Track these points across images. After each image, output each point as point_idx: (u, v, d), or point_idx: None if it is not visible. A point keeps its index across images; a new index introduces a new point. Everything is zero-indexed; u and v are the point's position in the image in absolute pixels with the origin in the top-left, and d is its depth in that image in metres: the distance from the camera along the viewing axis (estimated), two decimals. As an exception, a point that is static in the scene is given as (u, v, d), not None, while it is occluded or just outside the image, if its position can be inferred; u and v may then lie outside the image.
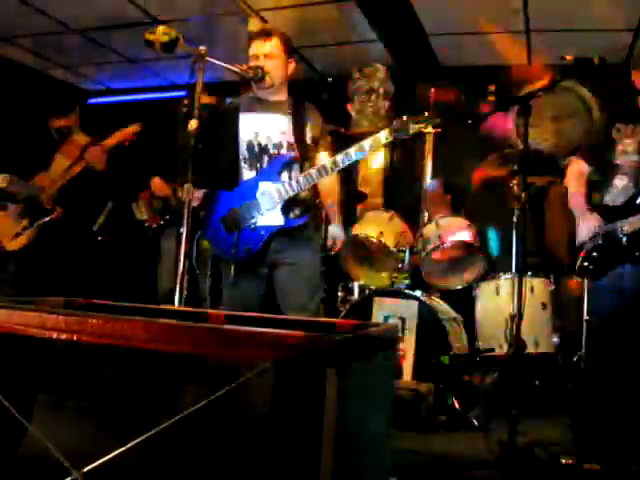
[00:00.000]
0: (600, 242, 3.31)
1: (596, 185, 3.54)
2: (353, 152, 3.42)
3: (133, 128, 4.97)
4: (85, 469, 1.49)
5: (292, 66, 3.70)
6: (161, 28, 3.12)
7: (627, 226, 3.23)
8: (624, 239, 3.25)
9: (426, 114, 3.48)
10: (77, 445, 1.64)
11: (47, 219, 4.70)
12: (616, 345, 3.30)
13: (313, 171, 3.45)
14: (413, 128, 3.43)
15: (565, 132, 6.44)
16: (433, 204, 5.75)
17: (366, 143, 3.42)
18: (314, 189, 3.68)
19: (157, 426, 1.48)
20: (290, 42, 3.73)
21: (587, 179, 3.58)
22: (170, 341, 1.54)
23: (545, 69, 5.79)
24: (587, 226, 3.35)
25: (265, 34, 3.66)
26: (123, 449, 1.48)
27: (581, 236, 3.39)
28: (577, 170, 3.61)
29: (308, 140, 3.66)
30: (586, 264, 3.37)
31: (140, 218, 5.67)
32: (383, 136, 3.42)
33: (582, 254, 3.33)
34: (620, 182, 3.36)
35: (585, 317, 4.73)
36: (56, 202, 4.76)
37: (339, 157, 3.43)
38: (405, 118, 3.45)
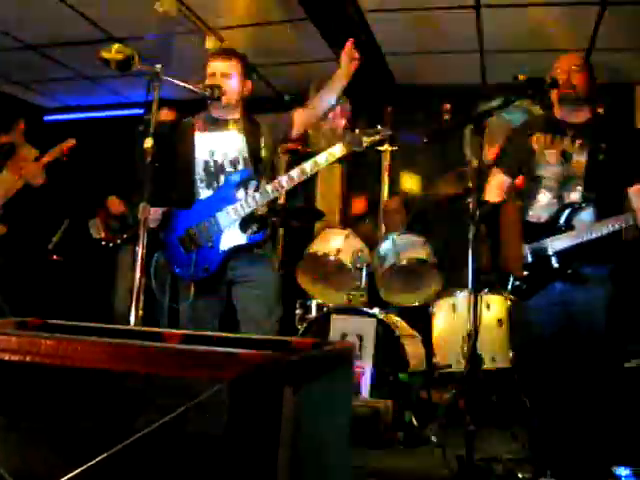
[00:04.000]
0: (529, 261, 3.35)
1: (518, 197, 3.59)
2: (308, 167, 3.45)
3: (68, 143, 4.95)
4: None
5: (249, 86, 3.72)
6: (116, 46, 3.11)
7: (556, 245, 3.28)
8: (554, 259, 3.29)
9: (378, 127, 3.53)
10: (29, 467, 1.61)
11: None
12: (553, 361, 3.34)
13: (269, 187, 3.47)
14: (366, 141, 3.48)
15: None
16: (391, 220, 5.80)
17: (321, 158, 3.46)
18: (270, 205, 3.70)
19: (111, 448, 1.46)
20: (248, 63, 3.76)
21: (508, 191, 3.63)
22: (125, 361, 1.53)
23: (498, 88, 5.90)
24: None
25: (224, 54, 3.69)
26: (76, 472, 1.46)
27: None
28: (497, 182, 3.66)
29: (263, 155, 3.67)
30: (518, 283, 3.41)
31: (96, 237, 5.61)
32: (338, 150, 3.46)
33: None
34: (544, 197, 3.40)
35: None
36: (0, 220, 4.69)
37: (294, 172, 3.46)
38: (358, 131, 3.50)
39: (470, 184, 4.67)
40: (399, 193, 6.24)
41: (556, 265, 3.28)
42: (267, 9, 5.44)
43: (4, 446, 1.67)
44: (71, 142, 4.97)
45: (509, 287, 3.43)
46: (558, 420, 3.28)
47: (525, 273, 3.35)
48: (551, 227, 3.31)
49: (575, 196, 3.33)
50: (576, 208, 3.28)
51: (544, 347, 3.35)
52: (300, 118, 3.74)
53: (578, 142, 3.33)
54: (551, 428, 3.31)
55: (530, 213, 3.43)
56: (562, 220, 3.28)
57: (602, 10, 5.06)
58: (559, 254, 3.27)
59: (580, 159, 3.32)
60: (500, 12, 5.25)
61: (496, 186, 3.65)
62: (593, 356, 3.25)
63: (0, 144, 4.93)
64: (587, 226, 3.22)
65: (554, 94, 3.43)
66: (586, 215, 3.27)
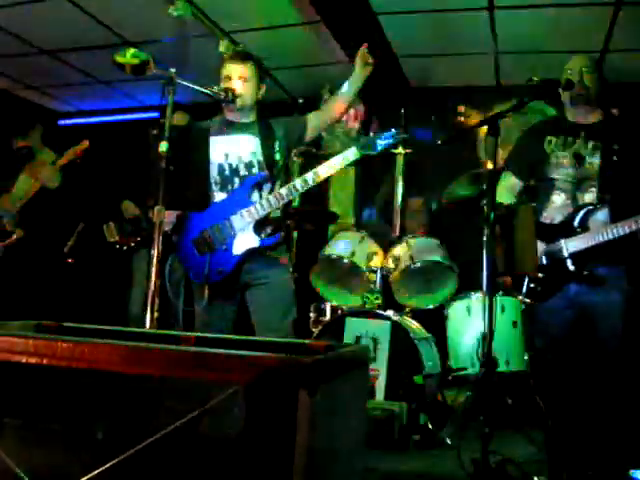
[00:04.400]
0: (544, 263, 3.34)
1: (532, 200, 3.56)
2: (322, 171, 3.45)
3: (82, 146, 4.96)
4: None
5: (263, 89, 3.72)
6: (131, 51, 3.13)
7: (571, 246, 3.27)
8: (569, 261, 3.28)
9: (393, 130, 3.52)
10: (45, 469, 1.62)
11: (7, 242, 4.65)
12: (569, 364, 3.33)
13: (283, 190, 3.47)
14: (381, 144, 3.47)
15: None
16: (413, 221, 5.82)
17: (335, 161, 3.45)
18: (284, 209, 3.70)
19: (126, 450, 1.47)
20: (262, 66, 3.77)
21: (519, 194, 3.61)
22: (141, 364, 1.54)
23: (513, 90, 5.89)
24: None
25: (239, 57, 3.69)
26: (93, 474, 1.47)
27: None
28: (508, 185, 3.64)
29: (278, 159, 3.68)
30: (533, 286, 3.40)
31: (111, 240, 5.63)
32: (351, 153, 3.46)
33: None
34: (558, 198, 3.39)
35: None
36: (18, 223, 4.72)
37: (309, 176, 3.46)
38: (372, 135, 3.50)
39: (484, 186, 4.68)
40: (421, 194, 6.20)
41: (571, 267, 3.26)
42: (280, 12, 5.45)
43: (21, 447, 1.68)
44: (85, 144, 4.99)
45: (524, 290, 3.42)
46: (574, 422, 3.27)
47: (540, 275, 3.34)
48: (566, 228, 3.30)
49: (589, 197, 3.31)
50: (591, 209, 3.26)
51: (561, 349, 3.34)
52: (314, 122, 3.74)
53: (591, 144, 3.32)
54: (567, 430, 3.30)
55: (544, 215, 3.42)
56: (577, 221, 3.27)
57: (617, 10, 5.03)
58: (574, 255, 3.26)
59: (593, 161, 3.31)
60: (514, 13, 5.23)
61: (507, 188, 3.63)
62: (610, 357, 3.24)
63: (17, 148, 4.96)
64: (602, 227, 3.21)
65: (565, 96, 3.42)
66: (601, 216, 3.25)
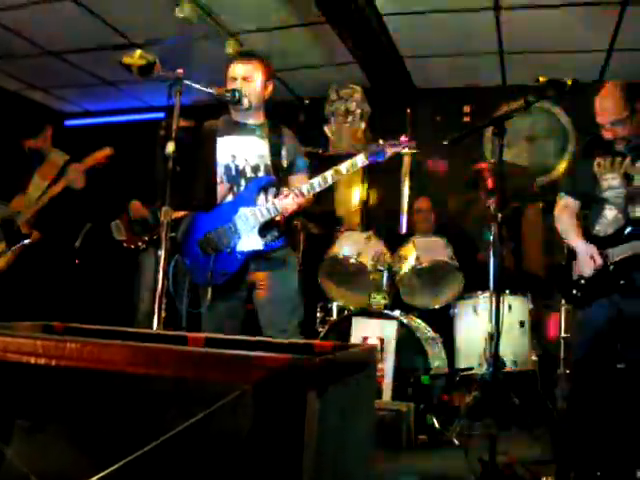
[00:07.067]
0: (590, 272, 3.36)
1: (585, 216, 3.58)
2: (329, 176, 3.44)
3: (106, 152, 4.97)
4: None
5: (269, 89, 3.72)
6: (138, 52, 3.13)
7: (617, 253, 3.29)
8: (611, 267, 3.30)
9: (402, 138, 3.51)
10: (56, 470, 1.62)
11: (25, 242, 4.66)
12: (597, 366, 3.34)
13: (290, 194, 3.46)
14: (390, 151, 3.46)
15: (540, 152, 6.51)
16: (420, 221, 5.83)
17: (342, 167, 3.44)
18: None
19: (135, 451, 1.47)
20: (270, 65, 3.76)
21: (577, 213, 3.62)
22: (149, 364, 1.54)
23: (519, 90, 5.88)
24: (588, 260, 3.39)
25: (245, 56, 3.69)
26: (102, 474, 1.47)
27: (583, 269, 3.42)
28: (565, 206, 3.65)
29: (284, 163, 3.68)
30: (574, 292, 3.42)
31: (119, 238, 5.64)
32: (359, 160, 3.45)
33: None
34: (610, 213, 3.41)
35: (563, 335, 4.78)
36: (34, 225, 4.73)
37: (315, 181, 3.46)
38: (381, 142, 3.48)
39: (490, 185, 4.68)
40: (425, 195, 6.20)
41: (615, 274, 3.29)
42: (286, 13, 5.45)
43: (30, 448, 1.69)
44: (107, 151, 4.99)
45: (566, 296, 3.46)
46: (585, 423, 3.27)
47: (582, 282, 3.38)
48: (616, 239, 3.32)
49: None
50: None
51: (596, 354, 3.35)
52: (293, 184, 3.68)
53: (639, 163, 3.34)
54: (577, 431, 3.30)
55: (597, 228, 3.45)
56: (626, 232, 3.29)
57: (622, 10, 5.02)
58: (619, 263, 3.28)
59: None
60: (519, 13, 5.23)
61: (565, 211, 3.63)
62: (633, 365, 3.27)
63: (29, 148, 4.97)
64: None
65: (606, 132, 3.42)
66: None
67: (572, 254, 3.51)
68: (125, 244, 5.53)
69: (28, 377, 1.71)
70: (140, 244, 5.46)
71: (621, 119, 3.32)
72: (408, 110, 5.85)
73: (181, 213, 3.61)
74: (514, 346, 4.59)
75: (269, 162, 3.61)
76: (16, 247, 4.64)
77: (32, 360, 1.63)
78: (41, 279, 5.01)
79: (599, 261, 3.31)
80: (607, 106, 3.37)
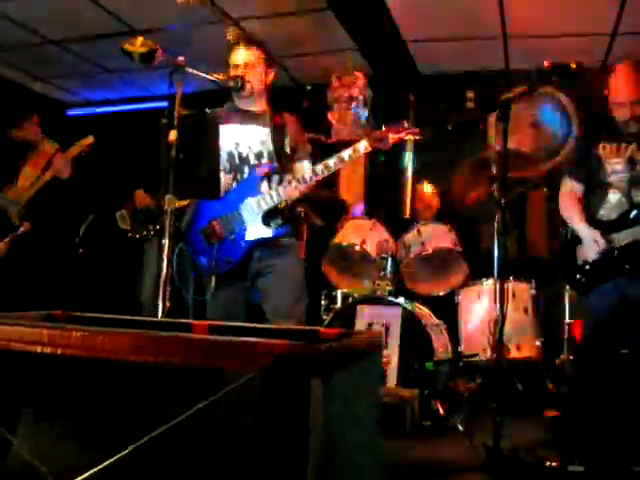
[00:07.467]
0: (595, 257, 3.36)
1: (589, 201, 3.58)
2: (332, 163, 3.43)
3: (87, 140, 4.96)
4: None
5: (272, 75, 3.71)
6: (140, 39, 3.12)
7: (622, 238, 3.29)
8: (616, 252, 3.30)
9: (405, 124, 3.50)
10: (62, 459, 1.63)
11: (18, 233, 4.64)
12: (601, 351, 3.34)
13: (293, 182, 3.46)
14: (393, 138, 3.45)
15: (544, 137, 6.48)
16: (423, 207, 5.80)
17: (345, 154, 3.43)
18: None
19: (142, 438, 1.48)
20: (270, 51, 3.74)
21: (580, 198, 3.61)
22: (154, 352, 1.54)
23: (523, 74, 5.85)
24: (592, 244, 3.38)
25: (245, 43, 3.68)
26: (108, 462, 1.47)
27: (588, 254, 3.41)
28: (570, 190, 3.63)
29: (287, 150, 3.67)
30: (579, 277, 3.42)
31: (124, 227, 5.64)
32: (362, 147, 3.44)
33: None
34: (613, 196, 3.41)
35: (567, 320, 4.78)
36: (25, 215, 4.71)
37: (319, 167, 3.45)
38: (385, 129, 3.47)
39: (493, 171, 4.66)
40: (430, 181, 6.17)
41: (620, 259, 3.29)
42: (288, -1, 5.43)
43: (36, 437, 1.69)
44: (89, 139, 4.98)
45: (571, 281, 3.46)
46: (589, 409, 3.28)
47: (587, 267, 3.37)
48: (621, 223, 3.32)
49: None
50: None
51: (602, 339, 3.36)
52: (298, 167, 3.70)
53: None
54: (580, 416, 3.31)
55: (601, 212, 3.45)
56: (631, 216, 3.29)
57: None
58: (624, 248, 3.28)
59: None
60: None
61: (570, 195, 3.62)
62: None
63: (15, 137, 4.93)
64: None
65: (616, 111, 3.41)
66: None
67: (575, 240, 3.50)
68: (130, 234, 5.53)
69: (34, 366, 1.71)
70: (145, 233, 5.46)
71: None
72: (411, 96, 5.81)
73: (185, 202, 3.60)
74: (518, 332, 4.58)
75: (272, 149, 3.61)
76: (8, 239, 4.63)
77: (37, 349, 1.63)
78: (37, 270, 4.99)
79: (603, 245, 3.31)
80: (627, 85, 3.36)
